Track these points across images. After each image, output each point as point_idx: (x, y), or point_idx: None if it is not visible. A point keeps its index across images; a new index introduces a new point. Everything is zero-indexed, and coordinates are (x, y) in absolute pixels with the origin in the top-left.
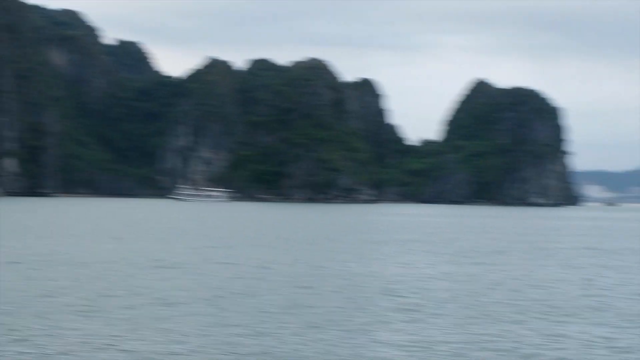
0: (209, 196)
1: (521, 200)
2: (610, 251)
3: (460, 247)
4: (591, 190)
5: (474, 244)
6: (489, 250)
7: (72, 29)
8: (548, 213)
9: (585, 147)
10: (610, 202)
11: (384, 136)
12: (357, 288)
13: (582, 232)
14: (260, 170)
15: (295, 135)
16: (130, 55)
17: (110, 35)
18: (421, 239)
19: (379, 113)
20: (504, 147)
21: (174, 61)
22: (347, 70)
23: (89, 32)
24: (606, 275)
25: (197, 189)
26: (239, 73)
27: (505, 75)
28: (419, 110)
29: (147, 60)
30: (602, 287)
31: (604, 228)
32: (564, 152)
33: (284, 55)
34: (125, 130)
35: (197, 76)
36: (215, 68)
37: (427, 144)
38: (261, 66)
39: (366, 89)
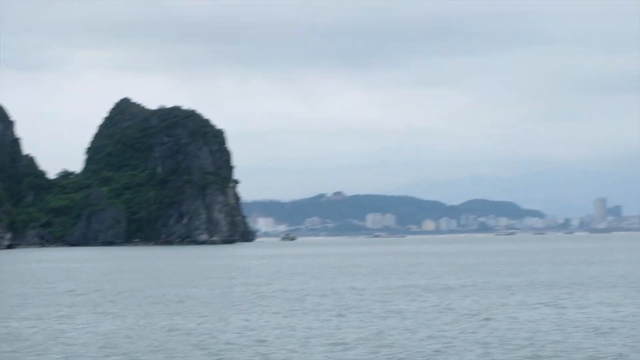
0: None
1: (186, 239)
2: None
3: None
4: (262, 224)
5: (156, 291)
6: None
7: None
8: (219, 252)
9: (249, 174)
10: (288, 236)
11: (19, 170)
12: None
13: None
14: None
15: None
16: None
17: None
18: (79, 289)
19: (10, 143)
20: (161, 178)
21: None
22: None
23: None
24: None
25: None
26: None
27: (153, 93)
28: (58, 138)
29: None
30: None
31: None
32: (231, 181)
33: None
34: None
35: None
36: None
37: (68, 176)
38: None
39: None
